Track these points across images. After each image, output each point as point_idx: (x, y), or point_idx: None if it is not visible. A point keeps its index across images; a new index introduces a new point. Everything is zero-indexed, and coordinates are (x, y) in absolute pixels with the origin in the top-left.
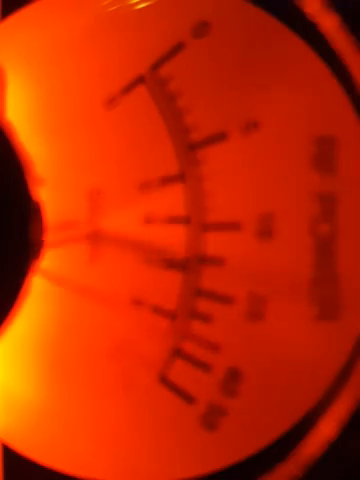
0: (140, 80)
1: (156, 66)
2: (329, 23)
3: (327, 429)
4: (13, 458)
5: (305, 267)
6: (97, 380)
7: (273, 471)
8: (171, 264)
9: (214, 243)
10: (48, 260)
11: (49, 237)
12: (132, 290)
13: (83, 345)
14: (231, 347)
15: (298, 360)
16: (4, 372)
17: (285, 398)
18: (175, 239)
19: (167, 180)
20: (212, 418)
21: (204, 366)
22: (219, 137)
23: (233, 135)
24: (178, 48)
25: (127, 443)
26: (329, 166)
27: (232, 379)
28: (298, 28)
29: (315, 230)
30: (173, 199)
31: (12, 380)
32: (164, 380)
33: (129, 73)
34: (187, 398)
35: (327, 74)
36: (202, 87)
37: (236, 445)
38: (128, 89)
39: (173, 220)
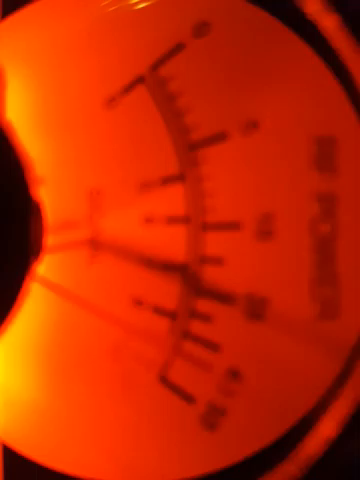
0: (140, 80)
1: (156, 66)
2: (329, 23)
3: (327, 429)
4: (13, 458)
5: (305, 267)
6: (97, 380)
7: (273, 471)
8: (171, 264)
9: (214, 243)
10: (48, 260)
11: (49, 237)
12: (132, 290)
13: (83, 345)
14: (231, 347)
15: (298, 360)
16: (4, 372)
17: (285, 398)
18: (175, 239)
19: (167, 180)
20: (212, 418)
21: (204, 366)
22: (219, 137)
23: (233, 135)
24: (178, 48)
25: (127, 443)
26: (329, 166)
27: (232, 379)
28: (298, 28)
29: (315, 230)
30: (173, 199)
31: (12, 380)
32: (164, 380)
33: (129, 73)
34: (187, 398)
35: (327, 74)
36: (202, 87)
37: (236, 445)
38: (128, 89)
39: (173, 220)
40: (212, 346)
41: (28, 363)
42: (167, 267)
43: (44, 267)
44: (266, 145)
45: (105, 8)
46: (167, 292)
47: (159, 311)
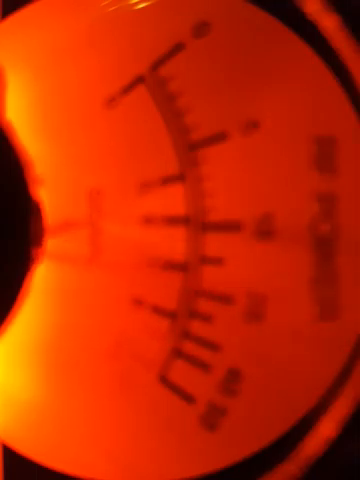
0: (140, 80)
1: (156, 66)
2: (329, 23)
3: (327, 429)
4: (13, 458)
5: (305, 267)
6: (97, 380)
7: (273, 471)
8: (171, 264)
9: (214, 243)
10: (48, 260)
11: (49, 237)
12: (132, 290)
13: (83, 345)
14: (231, 347)
15: (298, 360)
16: (4, 372)
17: (285, 398)
18: (175, 239)
19: (167, 180)
20: (212, 418)
21: (204, 366)
22: (219, 137)
23: (233, 135)
24: (178, 48)
25: (127, 443)
26: (329, 166)
27: (232, 379)
28: (298, 28)
29: (315, 230)
30: (173, 199)
31: (12, 380)
32: (164, 380)
33: (129, 73)
34: (187, 398)
35: (327, 74)
36: (202, 87)
37: (236, 445)
38: (128, 89)
39: (173, 220)
40: (212, 346)
41: (28, 363)
42: (167, 267)
43: (44, 267)
44: (266, 145)
45: (105, 8)
46: (167, 292)
47: (159, 311)
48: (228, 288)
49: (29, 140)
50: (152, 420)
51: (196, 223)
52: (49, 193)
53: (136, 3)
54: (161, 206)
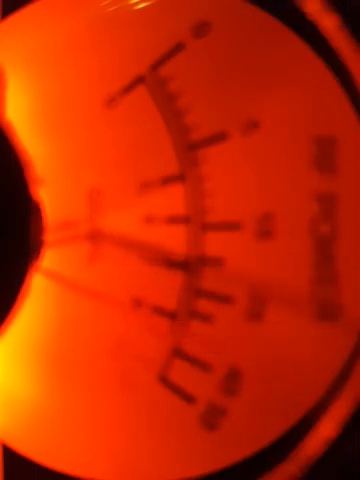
0: (140, 80)
1: (156, 66)
2: (329, 23)
3: (327, 429)
4: (13, 458)
5: (305, 267)
6: (97, 380)
7: (273, 471)
8: (171, 264)
9: (214, 243)
10: (48, 260)
11: (49, 237)
12: (132, 290)
13: (83, 345)
14: (231, 347)
15: (298, 360)
16: (4, 372)
17: (285, 398)
18: (175, 239)
19: (167, 180)
20: (212, 418)
21: (204, 366)
22: (219, 137)
23: (233, 135)
24: (178, 48)
25: (127, 443)
26: (329, 166)
27: (232, 379)
28: (298, 28)
29: (315, 230)
30: (173, 199)
31: (12, 380)
32: (164, 380)
33: (129, 73)
34: (187, 398)
35: (327, 74)
36: (202, 87)
37: (236, 445)
38: (128, 89)
39: (173, 220)
40: (212, 346)
41: (28, 363)
42: (167, 267)
43: (44, 267)
44: (266, 145)
45: (105, 8)
46: (167, 292)
47: (159, 311)
48: (228, 288)
49: (29, 140)
50: (152, 420)
51: (196, 223)
52: (49, 193)
53: (136, 3)
54: (161, 206)
